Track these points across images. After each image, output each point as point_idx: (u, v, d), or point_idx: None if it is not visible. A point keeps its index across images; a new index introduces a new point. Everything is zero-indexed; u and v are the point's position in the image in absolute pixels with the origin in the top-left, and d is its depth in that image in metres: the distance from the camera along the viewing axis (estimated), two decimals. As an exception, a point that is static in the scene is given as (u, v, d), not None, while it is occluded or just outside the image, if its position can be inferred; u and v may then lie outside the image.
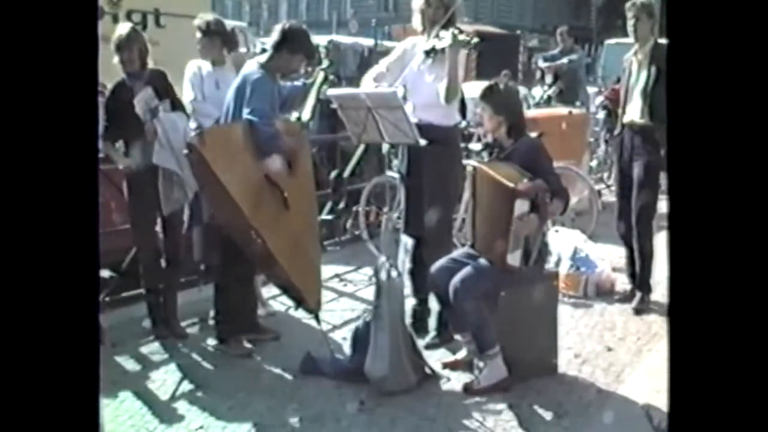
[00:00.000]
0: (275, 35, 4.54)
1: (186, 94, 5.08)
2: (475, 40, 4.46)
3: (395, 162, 4.67)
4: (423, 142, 4.24)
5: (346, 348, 4.51)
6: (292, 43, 4.49)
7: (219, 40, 5.09)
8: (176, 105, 4.86)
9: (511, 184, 3.94)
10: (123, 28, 4.87)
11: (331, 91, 4.70)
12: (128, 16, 7.71)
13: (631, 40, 5.48)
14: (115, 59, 4.75)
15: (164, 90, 4.80)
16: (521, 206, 3.93)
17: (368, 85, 4.68)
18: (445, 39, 4.37)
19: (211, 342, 4.81)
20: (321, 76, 4.81)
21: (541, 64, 10.97)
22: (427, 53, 4.47)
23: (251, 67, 4.47)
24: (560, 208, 4.13)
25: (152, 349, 4.83)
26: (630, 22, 5.35)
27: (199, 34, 5.03)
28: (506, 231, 3.96)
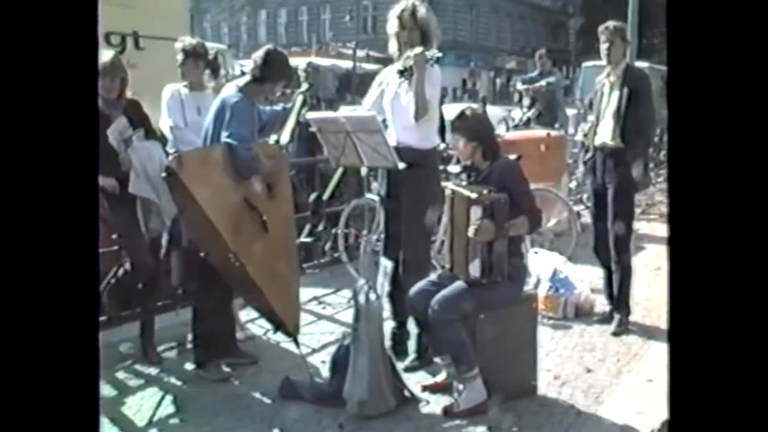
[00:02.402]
0: (256, 61, 4.53)
1: (164, 119, 5.07)
2: (438, 54, 4.49)
3: (374, 184, 4.67)
4: (402, 165, 4.25)
5: (325, 371, 4.49)
6: (272, 69, 4.49)
7: (202, 64, 5.09)
8: (150, 134, 4.85)
9: (470, 194, 3.97)
10: (106, 55, 4.84)
11: (310, 115, 4.71)
12: (107, 38, 7.69)
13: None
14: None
15: (139, 120, 4.79)
16: (475, 213, 3.95)
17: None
18: (411, 57, 4.40)
19: (189, 366, 4.77)
20: (300, 99, 4.82)
21: (520, 86, 11.03)
22: (401, 73, 4.49)
23: (230, 91, 4.47)
24: (525, 227, 4.12)
25: (128, 374, 4.78)
26: (603, 46, 5.41)
27: (181, 56, 5.01)
28: (465, 240, 3.99)
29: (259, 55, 4.55)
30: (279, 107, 4.85)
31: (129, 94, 4.84)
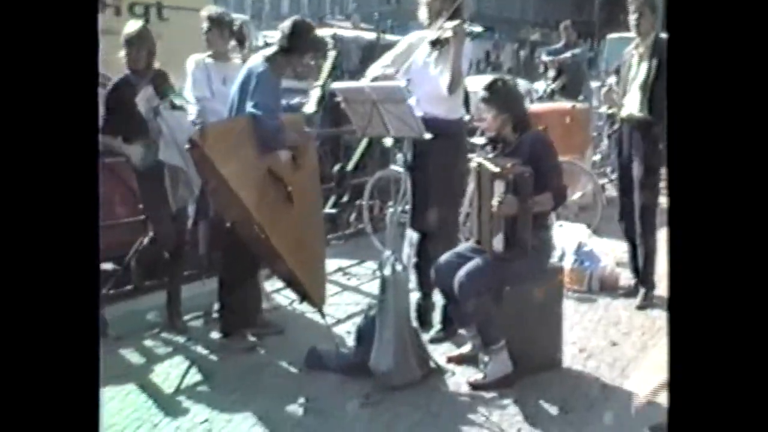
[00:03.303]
0: (283, 31, 4.48)
1: (188, 89, 5.07)
2: (479, 29, 4.44)
3: (399, 155, 4.65)
4: (428, 135, 4.22)
5: (351, 342, 4.52)
6: (300, 40, 4.44)
7: (227, 33, 5.08)
8: (176, 105, 4.86)
9: (494, 169, 3.94)
10: (134, 24, 4.85)
11: (336, 85, 4.69)
12: (131, 9, 7.69)
13: (633, 34, 5.45)
14: (121, 53, 4.75)
15: (166, 89, 4.80)
16: (498, 187, 3.93)
17: (374, 73, 4.66)
18: (448, 30, 4.35)
19: (215, 335, 4.81)
20: (327, 68, 4.79)
21: (545, 58, 10.93)
22: (433, 44, 4.45)
23: (255, 61, 4.45)
24: (550, 203, 4.08)
25: (156, 342, 4.83)
26: (632, 17, 5.32)
27: (206, 25, 5.01)
28: (490, 214, 3.98)
29: (286, 25, 4.50)
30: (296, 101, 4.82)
31: (156, 65, 4.86)
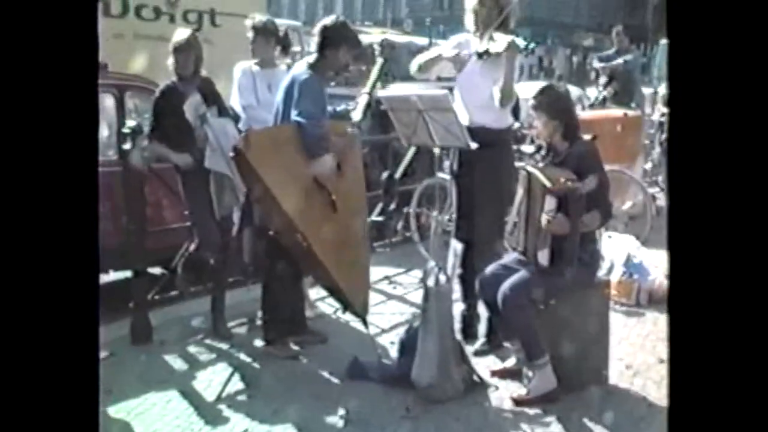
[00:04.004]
0: (316, 36, 4.48)
1: (234, 97, 5.10)
2: (533, 45, 4.37)
3: (446, 163, 4.61)
4: (474, 145, 4.16)
5: (394, 352, 4.47)
6: (332, 37, 4.42)
7: (272, 41, 5.10)
8: (222, 112, 4.89)
9: (546, 182, 3.86)
10: (183, 33, 4.89)
11: (382, 93, 4.67)
12: (185, 16, 7.79)
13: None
14: (170, 61, 4.79)
15: (212, 97, 4.84)
16: (549, 203, 3.85)
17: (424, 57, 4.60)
18: (500, 43, 4.27)
19: (259, 343, 4.80)
20: (374, 75, 4.76)
21: (596, 64, 10.74)
22: (480, 55, 4.38)
23: (300, 68, 4.45)
24: (597, 221, 3.99)
25: (200, 348, 4.85)
26: None
27: (251, 34, 5.05)
28: (537, 227, 3.91)
29: (317, 29, 4.51)
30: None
31: (204, 72, 4.89)
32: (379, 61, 4.97)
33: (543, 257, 3.91)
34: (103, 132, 5.64)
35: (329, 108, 4.66)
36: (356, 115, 4.71)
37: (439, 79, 5.97)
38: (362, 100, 4.74)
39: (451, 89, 4.56)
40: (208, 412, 3.96)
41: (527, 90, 4.87)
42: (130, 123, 4.97)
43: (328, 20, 4.56)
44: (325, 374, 4.41)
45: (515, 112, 4.99)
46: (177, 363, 4.64)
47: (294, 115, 4.25)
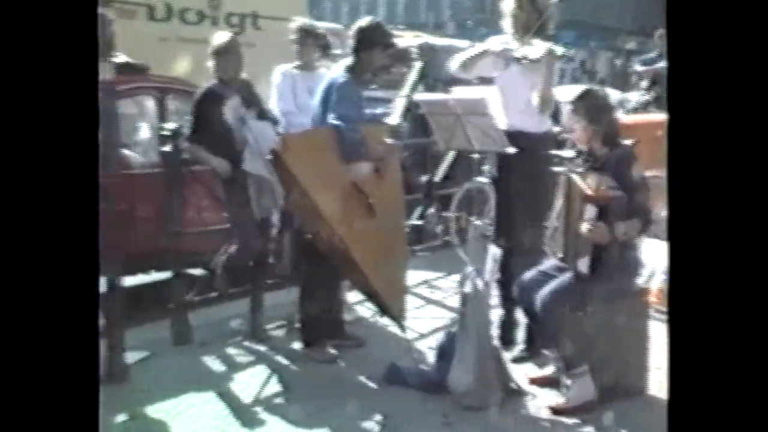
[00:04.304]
0: (351, 39, 4.48)
1: (273, 100, 5.12)
2: (572, 51, 4.31)
3: (485, 167, 4.56)
4: (512, 149, 4.12)
5: (432, 358, 4.43)
6: (367, 39, 4.42)
7: (313, 44, 5.11)
8: (262, 115, 4.90)
9: (587, 189, 3.80)
10: (223, 36, 4.92)
11: (419, 96, 4.64)
12: (227, 19, 7.86)
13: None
14: (210, 63, 4.82)
15: (252, 100, 4.85)
16: (590, 211, 3.79)
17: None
18: (538, 49, 4.22)
19: (297, 346, 4.80)
20: (413, 78, 4.74)
21: (638, 68, 10.59)
22: (518, 60, 4.33)
23: (337, 72, 4.44)
24: (637, 228, 3.89)
25: (238, 350, 4.87)
26: None
27: (292, 37, 5.06)
28: (576, 234, 3.86)
29: (352, 31, 4.51)
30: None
31: (244, 75, 4.91)
32: (418, 64, 4.94)
33: (583, 264, 3.85)
34: (144, 134, 5.70)
35: (368, 111, 4.64)
36: (394, 119, 4.69)
37: (480, 80, 5.92)
38: (400, 103, 4.72)
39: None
40: (245, 414, 3.97)
41: (568, 93, 4.80)
42: (171, 125, 5.01)
43: (363, 22, 4.56)
44: (362, 378, 4.40)
45: (555, 116, 4.92)
46: (215, 364, 4.66)
47: (331, 119, 4.25)
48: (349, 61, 4.48)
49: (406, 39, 6.08)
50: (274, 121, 5.01)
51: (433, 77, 8.55)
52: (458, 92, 4.73)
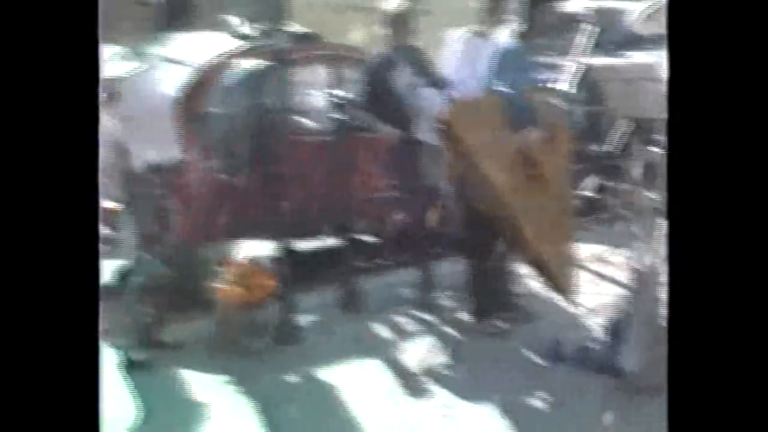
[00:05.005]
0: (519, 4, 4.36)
1: (446, 67, 5.06)
2: None
3: (658, 137, 4.32)
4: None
5: (602, 335, 4.28)
6: (534, 3, 4.28)
7: (489, 9, 5.00)
8: (433, 82, 4.86)
9: None
10: (395, 3, 4.91)
11: (593, 61, 4.46)
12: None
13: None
14: (382, 31, 4.83)
15: (423, 67, 4.82)
16: None
17: None
18: None
19: (465, 317, 4.78)
20: (587, 31, 4.55)
21: None
22: None
23: (504, 37, 4.34)
24: None
25: (407, 318, 4.90)
26: None
27: (471, 3, 4.97)
28: None
29: None
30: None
31: (418, 42, 4.89)
32: (589, 27, 4.74)
33: None
34: (316, 102, 5.78)
35: (538, 77, 4.51)
36: (564, 85, 4.54)
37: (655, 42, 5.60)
38: (569, 69, 4.56)
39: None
40: (411, 383, 4.00)
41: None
42: (342, 93, 5.07)
43: None
44: (529, 353, 4.32)
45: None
46: (383, 331, 4.72)
47: (500, 85, 4.16)
48: (517, 26, 4.36)
49: (577, 1, 5.83)
50: (445, 89, 4.95)
51: (607, 39, 8.22)
52: (632, 56, 4.48)
